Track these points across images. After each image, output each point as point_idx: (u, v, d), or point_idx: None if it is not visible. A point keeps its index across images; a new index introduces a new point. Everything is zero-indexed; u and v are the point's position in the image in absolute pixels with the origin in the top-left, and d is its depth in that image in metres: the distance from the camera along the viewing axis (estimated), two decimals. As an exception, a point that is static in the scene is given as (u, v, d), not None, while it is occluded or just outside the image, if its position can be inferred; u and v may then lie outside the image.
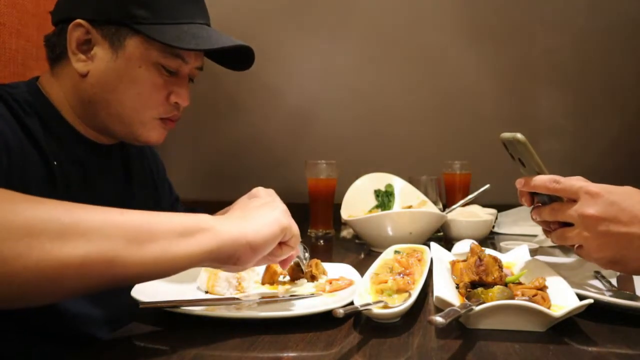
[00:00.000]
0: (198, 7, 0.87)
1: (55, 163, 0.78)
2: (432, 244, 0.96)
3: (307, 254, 0.90)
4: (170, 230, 0.56)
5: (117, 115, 0.84)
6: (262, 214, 0.67)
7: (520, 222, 1.42)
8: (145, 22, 0.80)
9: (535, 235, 1.24)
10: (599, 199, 0.69)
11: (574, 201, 0.72)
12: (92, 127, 0.87)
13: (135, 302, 0.69)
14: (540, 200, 0.78)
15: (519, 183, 0.78)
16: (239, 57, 0.91)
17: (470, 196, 1.32)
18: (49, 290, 0.50)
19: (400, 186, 1.40)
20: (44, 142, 0.78)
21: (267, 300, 0.74)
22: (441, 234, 1.33)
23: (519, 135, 0.74)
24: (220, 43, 0.84)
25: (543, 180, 0.74)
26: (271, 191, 0.81)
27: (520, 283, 0.74)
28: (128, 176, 0.99)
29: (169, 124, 0.89)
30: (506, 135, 0.76)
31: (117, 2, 0.80)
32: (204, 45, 0.82)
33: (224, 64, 0.94)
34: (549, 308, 0.64)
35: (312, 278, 0.85)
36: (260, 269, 0.86)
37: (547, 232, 0.80)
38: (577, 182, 0.72)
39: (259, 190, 0.80)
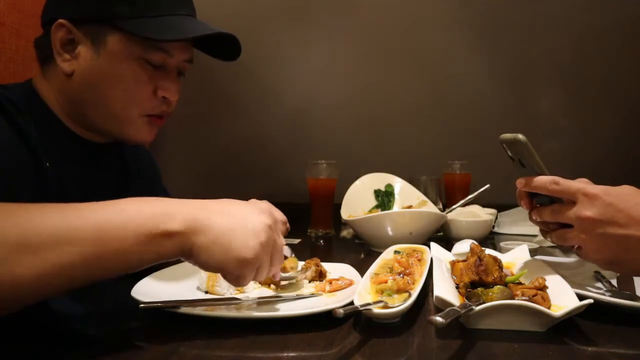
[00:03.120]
0: None
1: (47, 164, 0.78)
2: (432, 244, 0.96)
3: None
4: (133, 237, 0.56)
5: (104, 113, 0.84)
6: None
7: (520, 222, 1.42)
8: (125, 17, 0.79)
9: (535, 235, 1.24)
10: (597, 201, 0.69)
11: (573, 203, 0.72)
12: (83, 126, 0.87)
13: (135, 302, 0.69)
14: (540, 201, 0.78)
15: (520, 183, 0.78)
16: (227, 47, 0.90)
17: (470, 196, 1.32)
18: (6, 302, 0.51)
19: (400, 186, 1.40)
20: (37, 142, 0.77)
21: (267, 300, 0.74)
22: (441, 234, 1.33)
23: (520, 136, 0.74)
24: (200, 32, 0.83)
25: (543, 181, 0.74)
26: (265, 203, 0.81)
27: (520, 283, 0.74)
28: (125, 176, 0.99)
29: (157, 121, 0.88)
30: (506, 136, 0.76)
31: (97, 0, 0.80)
32: (182, 35, 0.82)
33: (214, 55, 0.93)
34: (549, 308, 0.64)
35: (320, 276, 0.85)
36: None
37: (544, 232, 0.80)
38: (575, 184, 0.72)
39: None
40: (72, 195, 0.83)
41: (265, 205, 0.70)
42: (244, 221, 0.63)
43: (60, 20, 0.80)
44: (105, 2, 0.79)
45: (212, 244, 0.60)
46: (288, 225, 0.91)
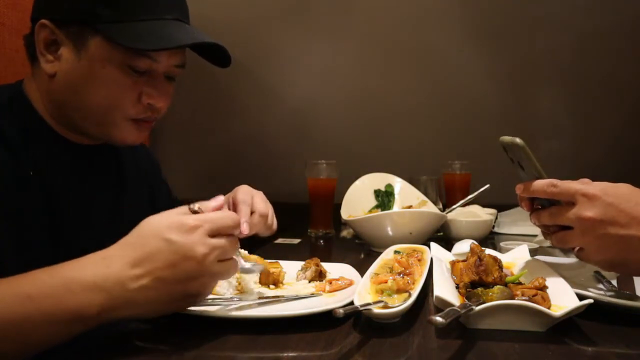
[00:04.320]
0: (168, 1, 0.82)
1: (31, 173, 0.76)
2: (432, 244, 0.96)
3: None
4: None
5: (87, 116, 0.81)
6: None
7: (520, 222, 1.42)
8: (108, 21, 0.76)
9: (535, 235, 1.24)
10: (596, 201, 0.69)
11: (572, 204, 0.72)
12: (69, 129, 0.84)
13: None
14: (540, 203, 0.78)
15: (519, 189, 0.78)
16: (217, 54, 0.86)
17: (470, 196, 1.32)
18: None
19: (400, 186, 1.40)
20: (22, 149, 0.76)
21: (267, 300, 0.74)
22: (441, 234, 1.33)
23: (517, 140, 0.74)
24: (183, 41, 0.79)
25: (541, 185, 0.74)
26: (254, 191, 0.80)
27: (520, 283, 0.74)
28: (119, 178, 0.96)
29: (143, 125, 0.85)
30: (505, 139, 0.76)
31: (79, 1, 0.77)
32: (163, 45, 0.77)
33: (207, 59, 0.88)
34: (549, 308, 0.64)
35: (320, 276, 0.85)
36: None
37: (546, 234, 0.79)
38: (574, 185, 0.72)
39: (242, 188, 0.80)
40: (63, 204, 0.81)
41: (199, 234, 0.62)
42: (171, 287, 0.60)
43: (43, 21, 0.77)
44: (87, 4, 0.76)
45: (134, 314, 0.60)
46: (275, 226, 0.91)
